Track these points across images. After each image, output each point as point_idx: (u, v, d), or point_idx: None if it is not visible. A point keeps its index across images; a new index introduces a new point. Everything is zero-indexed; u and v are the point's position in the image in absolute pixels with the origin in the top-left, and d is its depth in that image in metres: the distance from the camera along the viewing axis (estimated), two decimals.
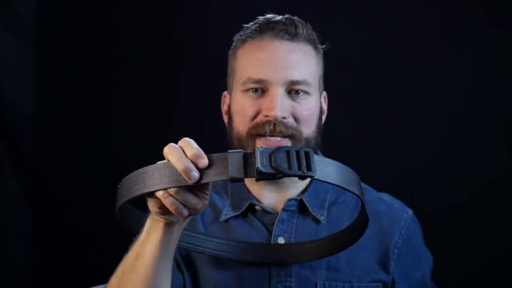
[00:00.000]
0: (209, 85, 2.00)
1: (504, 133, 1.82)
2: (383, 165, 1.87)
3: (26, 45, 2.05)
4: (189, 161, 0.82)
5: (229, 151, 0.82)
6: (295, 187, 1.22)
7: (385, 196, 1.29)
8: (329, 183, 0.84)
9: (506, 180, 1.82)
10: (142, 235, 0.97)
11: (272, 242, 1.17)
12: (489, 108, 1.83)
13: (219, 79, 2.00)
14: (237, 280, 1.15)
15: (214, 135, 1.96)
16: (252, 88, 1.18)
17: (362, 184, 1.28)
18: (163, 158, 0.86)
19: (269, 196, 1.22)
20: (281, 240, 1.17)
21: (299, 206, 1.21)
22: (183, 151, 0.84)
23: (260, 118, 1.17)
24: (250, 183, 1.23)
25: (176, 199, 0.86)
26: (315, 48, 1.23)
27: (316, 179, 0.82)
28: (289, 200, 1.20)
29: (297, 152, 0.82)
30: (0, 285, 1.98)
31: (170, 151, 0.85)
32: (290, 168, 0.81)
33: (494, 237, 1.82)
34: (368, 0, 1.92)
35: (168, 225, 0.93)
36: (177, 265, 1.18)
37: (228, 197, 1.24)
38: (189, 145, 0.84)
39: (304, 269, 1.15)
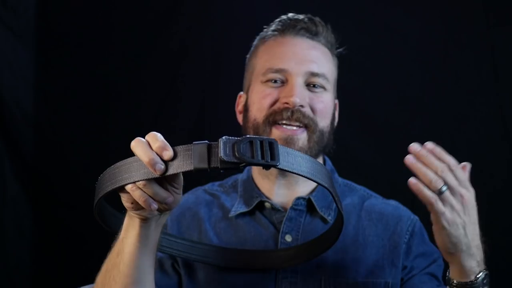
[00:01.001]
0: (209, 85, 2.01)
1: (504, 133, 1.82)
2: (384, 165, 1.87)
3: (26, 45, 2.05)
4: (155, 153, 0.84)
5: (194, 142, 0.83)
6: (305, 184, 1.23)
7: (392, 201, 1.30)
8: (294, 173, 0.85)
9: (506, 180, 1.82)
10: (122, 232, 0.98)
11: (280, 239, 1.18)
12: (489, 108, 1.83)
13: (219, 78, 2.01)
14: (243, 276, 1.15)
15: (214, 135, 1.97)
16: (272, 79, 1.21)
17: (370, 191, 1.29)
18: None
19: (279, 194, 1.22)
20: (288, 238, 1.18)
21: (308, 205, 1.21)
22: (149, 144, 0.85)
23: (278, 105, 1.19)
24: (260, 180, 1.24)
25: (144, 191, 0.87)
26: (332, 52, 1.27)
27: (279, 168, 0.83)
28: (298, 198, 1.20)
29: (261, 142, 0.83)
30: (0, 285, 1.98)
31: (136, 144, 0.86)
32: (253, 157, 0.81)
33: (494, 237, 1.82)
34: (369, 1, 1.92)
35: (144, 221, 0.94)
36: (172, 265, 1.18)
37: (238, 196, 1.25)
38: (154, 138, 0.85)
39: (310, 265, 1.16)
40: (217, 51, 1.99)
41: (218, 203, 1.25)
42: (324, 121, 1.21)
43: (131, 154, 0.87)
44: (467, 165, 1.04)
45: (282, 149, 0.84)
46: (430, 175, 0.94)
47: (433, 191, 0.93)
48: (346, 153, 1.73)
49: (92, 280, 1.08)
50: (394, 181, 1.84)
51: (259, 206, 1.22)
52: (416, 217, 1.27)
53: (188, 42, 2.00)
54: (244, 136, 0.83)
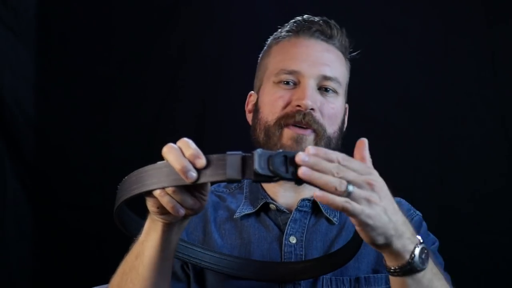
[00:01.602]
0: (210, 86, 2.01)
1: (504, 133, 1.82)
2: (383, 165, 1.86)
3: (26, 45, 2.05)
4: (187, 160, 0.83)
5: (227, 152, 0.83)
6: (310, 187, 1.22)
7: (396, 199, 1.29)
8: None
9: (506, 180, 1.82)
10: (142, 235, 0.98)
11: (284, 241, 1.18)
12: (489, 108, 1.83)
13: (220, 79, 2.01)
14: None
15: (215, 135, 1.97)
16: (284, 81, 1.20)
17: None
18: (163, 158, 0.87)
19: (284, 196, 1.22)
20: (292, 239, 1.18)
21: (313, 207, 1.21)
22: (182, 151, 0.85)
23: (290, 108, 1.18)
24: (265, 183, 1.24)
25: (173, 198, 0.87)
26: (345, 55, 1.26)
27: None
28: (303, 200, 1.21)
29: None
30: (0, 285, 1.98)
31: (168, 150, 0.85)
32: (287, 171, 0.81)
33: (494, 237, 1.82)
34: (369, 1, 1.92)
35: (167, 226, 0.94)
36: (181, 267, 1.19)
37: (244, 198, 1.25)
38: (187, 145, 0.85)
39: None
40: (217, 53, 1.99)
41: (224, 204, 1.25)
42: (332, 127, 1.20)
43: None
44: (363, 142, 0.98)
45: None
46: (331, 180, 0.85)
47: (342, 195, 0.85)
48: (345, 153, 1.73)
49: (91, 281, 1.08)
50: (394, 181, 1.84)
51: (264, 207, 1.22)
52: (417, 212, 1.26)
53: (189, 44, 2.00)
54: (278, 151, 0.83)
